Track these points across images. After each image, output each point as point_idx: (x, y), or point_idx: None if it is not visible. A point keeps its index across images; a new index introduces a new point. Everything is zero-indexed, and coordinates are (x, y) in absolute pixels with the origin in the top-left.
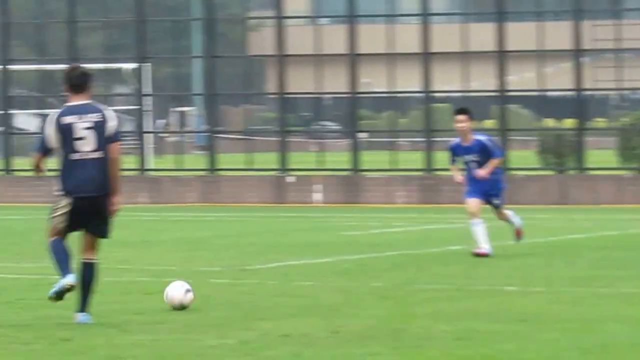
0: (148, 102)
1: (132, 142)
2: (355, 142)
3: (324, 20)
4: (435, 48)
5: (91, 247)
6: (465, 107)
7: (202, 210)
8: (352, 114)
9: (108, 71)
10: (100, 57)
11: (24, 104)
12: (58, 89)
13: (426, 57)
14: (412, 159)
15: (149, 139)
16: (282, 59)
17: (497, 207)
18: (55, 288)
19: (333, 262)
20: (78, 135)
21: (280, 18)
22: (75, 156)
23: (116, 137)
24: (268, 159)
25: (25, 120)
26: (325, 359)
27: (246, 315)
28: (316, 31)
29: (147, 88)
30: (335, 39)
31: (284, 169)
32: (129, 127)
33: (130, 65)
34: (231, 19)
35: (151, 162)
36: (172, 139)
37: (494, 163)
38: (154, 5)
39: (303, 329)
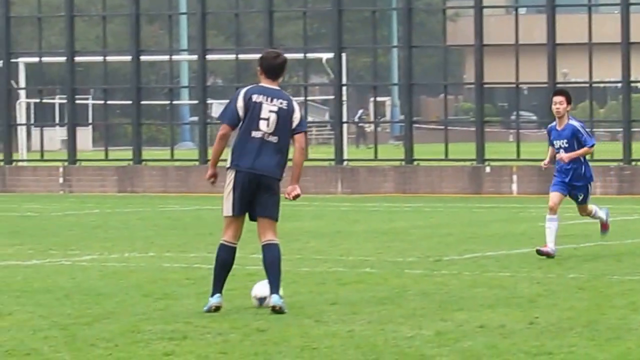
0: (345, 92)
1: (328, 132)
2: None
3: (522, 10)
4: (635, 38)
5: (267, 229)
6: (562, 88)
7: (397, 200)
8: (550, 104)
9: (305, 61)
10: (296, 47)
11: (220, 94)
12: (255, 79)
13: (626, 47)
14: (611, 150)
15: (345, 129)
16: (480, 48)
17: (580, 203)
18: (205, 308)
19: (529, 253)
20: (264, 116)
21: (479, 8)
22: (256, 134)
23: (302, 127)
24: (465, 149)
25: (221, 110)
26: (522, 350)
27: (442, 306)
28: (515, 21)
29: (344, 78)
30: (533, 28)
31: (481, 159)
32: (325, 117)
33: (327, 55)
34: (429, 9)
35: (347, 152)
36: (370, 129)
37: (582, 150)
38: None
39: (499, 320)
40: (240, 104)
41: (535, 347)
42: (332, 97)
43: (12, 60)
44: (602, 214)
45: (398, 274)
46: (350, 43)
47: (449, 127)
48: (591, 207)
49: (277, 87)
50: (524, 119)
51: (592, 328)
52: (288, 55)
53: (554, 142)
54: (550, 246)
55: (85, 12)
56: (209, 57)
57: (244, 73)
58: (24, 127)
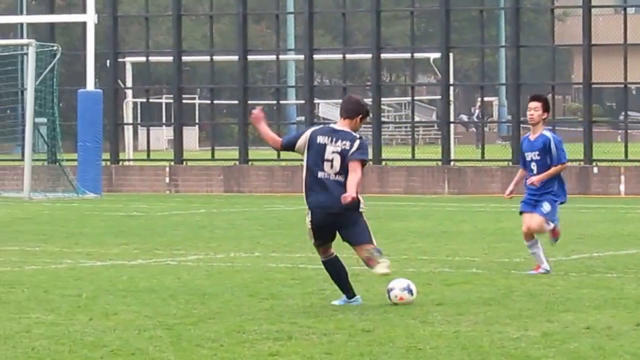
0: (452, 92)
1: (435, 132)
2: None
3: (631, 10)
4: None
5: (359, 253)
6: (541, 94)
7: (504, 201)
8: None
9: (412, 61)
10: (404, 47)
11: (327, 94)
12: (362, 79)
13: None
14: None
15: (452, 129)
16: (589, 48)
17: (541, 214)
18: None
19: (637, 254)
20: (327, 157)
21: (587, 7)
22: (320, 174)
23: (355, 155)
24: (572, 150)
25: (328, 109)
26: (629, 352)
27: (548, 307)
28: (624, 20)
29: (451, 78)
30: None
31: (589, 159)
32: (432, 117)
33: (434, 55)
34: (537, 8)
35: (454, 152)
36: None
37: (554, 169)
38: None
39: (606, 321)
40: (303, 139)
41: None
42: (439, 97)
43: (119, 59)
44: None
45: (505, 274)
46: (457, 43)
47: (556, 127)
48: (546, 226)
49: (347, 129)
50: (632, 119)
51: None
52: (395, 55)
53: (525, 154)
54: (543, 267)
55: (192, 11)
56: (316, 56)
57: (350, 73)
58: (131, 127)
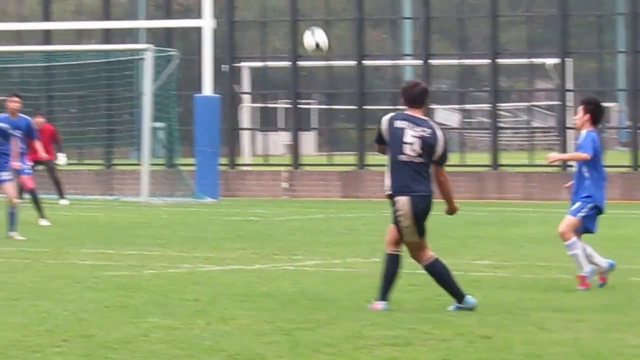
0: (570, 98)
1: (554, 137)
2: None
3: None
4: None
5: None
6: (586, 98)
7: (622, 207)
8: None
9: (530, 66)
10: (521, 52)
11: (444, 99)
12: (479, 84)
13: None
14: None
15: (570, 135)
16: None
17: (569, 213)
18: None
19: None
20: (407, 140)
21: None
22: (402, 157)
23: (442, 161)
24: None
25: (445, 115)
26: None
27: None
28: None
29: (569, 84)
30: None
31: None
32: (550, 122)
33: (552, 61)
34: None
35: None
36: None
37: (575, 155)
38: None
39: None
40: (384, 127)
41: None
42: (557, 102)
43: (236, 64)
44: (584, 262)
45: (624, 281)
46: (575, 48)
47: None
48: (574, 237)
49: (422, 116)
50: None
51: None
52: (512, 60)
53: None
54: (586, 270)
55: (309, 16)
56: (433, 62)
57: (467, 78)
58: (248, 132)
